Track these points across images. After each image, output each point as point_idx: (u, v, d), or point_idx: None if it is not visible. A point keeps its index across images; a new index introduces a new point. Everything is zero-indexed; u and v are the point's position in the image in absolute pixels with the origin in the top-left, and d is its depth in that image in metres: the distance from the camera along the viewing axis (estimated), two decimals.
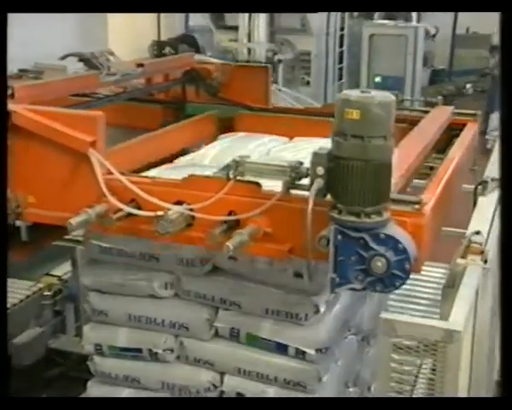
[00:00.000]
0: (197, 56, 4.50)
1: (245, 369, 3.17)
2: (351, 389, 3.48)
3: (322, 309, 3.07)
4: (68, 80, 3.42)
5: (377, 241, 2.43)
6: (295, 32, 10.53)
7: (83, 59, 3.58)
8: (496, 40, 15.76)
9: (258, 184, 2.71)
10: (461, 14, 15.09)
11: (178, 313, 3.24)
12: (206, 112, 4.22)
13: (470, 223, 3.53)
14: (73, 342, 6.10)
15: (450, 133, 3.85)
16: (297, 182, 2.58)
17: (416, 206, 2.53)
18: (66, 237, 6.06)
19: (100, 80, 3.63)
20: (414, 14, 13.42)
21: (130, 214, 2.83)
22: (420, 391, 3.99)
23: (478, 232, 3.32)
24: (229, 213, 2.72)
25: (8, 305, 5.64)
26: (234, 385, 3.21)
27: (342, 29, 11.78)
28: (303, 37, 10.28)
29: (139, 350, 3.31)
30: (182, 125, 4.04)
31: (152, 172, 3.52)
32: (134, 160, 3.35)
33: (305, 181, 2.52)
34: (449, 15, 15.01)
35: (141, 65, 3.89)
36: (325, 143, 2.49)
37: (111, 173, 2.81)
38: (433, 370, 2.75)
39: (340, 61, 11.25)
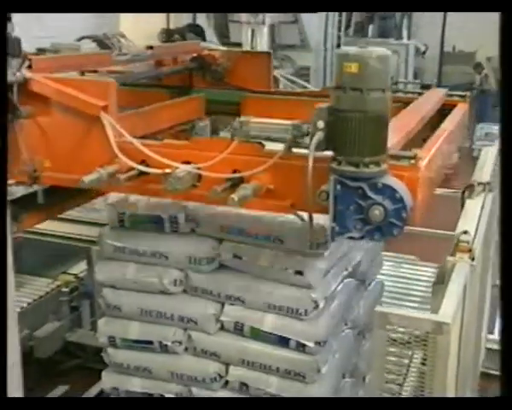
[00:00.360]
0: (203, 44, 4.46)
1: (248, 360, 3.14)
2: (347, 380, 3.43)
3: (321, 305, 3.03)
4: (82, 56, 3.39)
5: (375, 190, 2.38)
6: (295, 49, 10.54)
7: (96, 40, 3.55)
8: (479, 57, 15.84)
9: (261, 144, 2.67)
10: (447, 34, 15.22)
11: (187, 307, 3.20)
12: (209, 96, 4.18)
13: (458, 224, 3.50)
14: (89, 335, 6.05)
15: (443, 112, 3.79)
16: (298, 140, 2.53)
17: (412, 161, 2.49)
18: (82, 236, 6.10)
19: (112, 58, 3.60)
20: (405, 33, 13.44)
21: (139, 175, 2.80)
22: (411, 381, 3.98)
23: (466, 232, 3.29)
24: (234, 172, 2.68)
25: (30, 301, 5.71)
26: (238, 375, 3.17)
27: (339, 45, 11.73)
28: (302, 53, 10.29)
29: (150, 342, 3.27)
30: (173, 102, 3.97)
31: None
32: (137, 128, 3.24)
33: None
34: (437, 34, 15.10)
35: (150, 47, 3.85)
36: None
37: (121, 137, 2.80)
38: (424, 361, 2.74)
39: None
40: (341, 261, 3.24)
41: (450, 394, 2.84)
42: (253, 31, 9.78)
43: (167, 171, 2.68)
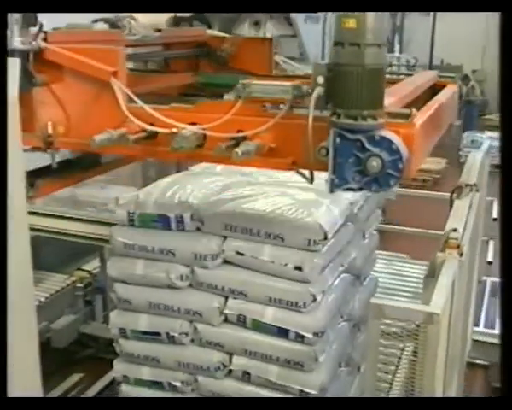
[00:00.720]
0: (209, 31, 4.42)
1: (251, 350, 3.08)
2: (343, 369, 3.38)
3: (318, 298, 2.97)
4: (94, 33, 3.35)
5: (372, 142, 2.35)
6: (295, 61, 10.41)
7: (108, 22, 3.53)
8: (465, 70, 15.87)
9: (263, 105, 2.63)
10: (436, 48, 15.25)
11: (192, 301, 3.14)
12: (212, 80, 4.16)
13: (448, 222, 3.49)
14: (101, 327, 6.02)
15: (434, 91, 3.75)
16: (299, 100, 2.49)
17: (409, 119, 2.46)
18: (95, 235, 6.01)
19: (122, 37, 3.53)
20: (397, 47, 13.44)
21: (147, 138, 2.78)
22: (403, 370, 3.95)
23: (455, 230, 3.28)
24: (237, 132, 2.64)
25: (47, 295, 5.71)
26: (241, 365, 3.11)
27: None
28: (302, 65, 10.20)
29: (158, 334, 3.21)
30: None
31: (170, 178, 3.46)
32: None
33: None
34: (427, 48, 15.15)
35: (158, 30, 3.80)
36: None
37: (131, 102, 2.78)
38: (415, 352, 2.74)
39: None
40: (338, 258, 3.19)
41: (439, 381, 2.81)
42: None
43: (174, 130, 2.66)
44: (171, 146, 2.64)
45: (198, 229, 3.12)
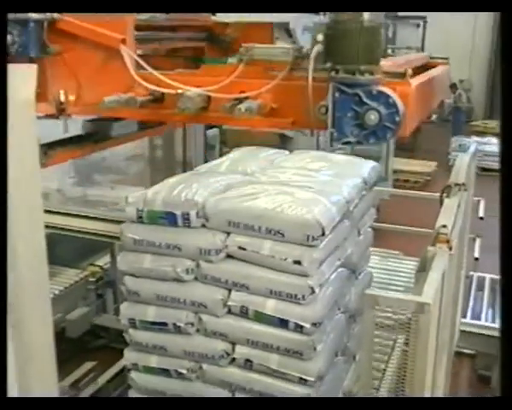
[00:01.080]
0: (213, 17, 4.41)
1: (253, 340, 3.03)
2: (340, 358, 3.33)
3: (316, 291, 2.92)
4: (104, 14, 3.34)
5: (370, 96, 2.33)
6: None
7: None
8: (453, 79, 15.82)
9: (265, 67, 2.62)
10: None
11: (198, 293, 3.10)
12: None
13: (438, 219, 3.45)
14: (112, 319, 6.10)
15: (427, 69, 3.73)
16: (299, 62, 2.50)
17: (405, 77, 2.44)
18: (106, 233, 6.00)
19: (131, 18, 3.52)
20: (389, 51, 13.36)
21: (154, 101, 2.78)
22: (395, 359, 3.92)
23: (444, 226, 3.28)
24: (240, 93, 2.64)
25: (61, 288, 5.75)
26: (243, 353, 3.06)
27: None
28: None
29: (165, 324, 3.16)
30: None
31: (176, 178, 3.41)
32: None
33: None
34: None
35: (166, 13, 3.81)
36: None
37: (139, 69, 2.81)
38: (406, 343, 2.73)
39: None
40: (335, 253, 3.14)
41: (430, 368, 2.79)
42: None
43: (179, 91, 2.64)
44: (176, 107, 2.63)
45: (203, 225, 3.07)
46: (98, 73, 2.97)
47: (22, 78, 2.73)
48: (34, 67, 2.79)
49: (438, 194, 4.29)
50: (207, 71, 2.82)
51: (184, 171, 4.72)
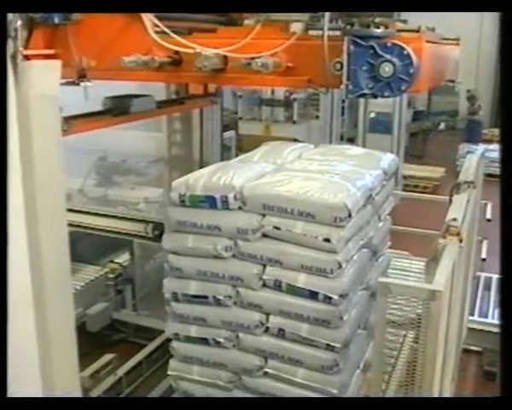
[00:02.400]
0: None
1: (285, 310, 3.48)
2: (361, 331, 3.79)
3: (343, 265, 3.38)
4: None
5: (385, 49, 2.43)
6: None
7: None
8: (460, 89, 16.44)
9: (281, 27, 2.76)
10: None
11: (235, 269, 3.55)
12: None
13: (448, 213, 3.66)
14: (131, 314, 6.53)
15: None
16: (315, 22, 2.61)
17: (419, 32, 2.58)
18: (126, 231, 6.30)
19: None
20: None
21: (172, 64, 2.95)
22: (405, 352, 4.21)
23: (455, 219, 3.48)
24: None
25: (82, 284, 6.18)
26: (276, 323, 3.53)
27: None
28: None
29: (205, 297, 3.62)
30: None
31: (213, 167, 3.89)
32: None
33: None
34: None
35: None
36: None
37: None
38: (416, 342, 2.84)
39: (343, 101, 11.55)
40: (359, 234, 3.62)
41: (439, 360, 2.91)
42: None
43: (198, 51, 2.79)
44: (194, 66, 2.79)
45: (240, 208, 3.54)
46: (118, 38, 3.07)
47: (47, 72, 2.91)
48: (58, 62, 2.97)
49: (446, 197, 4.50)
50: (225, 33, 2.89)
51: (201, 167, 4.90)
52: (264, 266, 3.53)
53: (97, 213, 6.41)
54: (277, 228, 3.47)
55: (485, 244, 6.88)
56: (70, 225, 3.56)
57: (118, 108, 4.03)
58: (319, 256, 3.40)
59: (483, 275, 7.09)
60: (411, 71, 2.46)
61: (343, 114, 11.24)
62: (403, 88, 2.48)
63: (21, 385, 2.87)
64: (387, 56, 2.45)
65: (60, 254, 3.18)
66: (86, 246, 6.47)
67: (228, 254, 3.56)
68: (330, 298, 3.38)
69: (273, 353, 3.58)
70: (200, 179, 3.63)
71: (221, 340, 3.66)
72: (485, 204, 6.60)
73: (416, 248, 6.50)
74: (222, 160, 5.12)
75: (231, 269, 3.57)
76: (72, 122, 3.33)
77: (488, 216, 6.57)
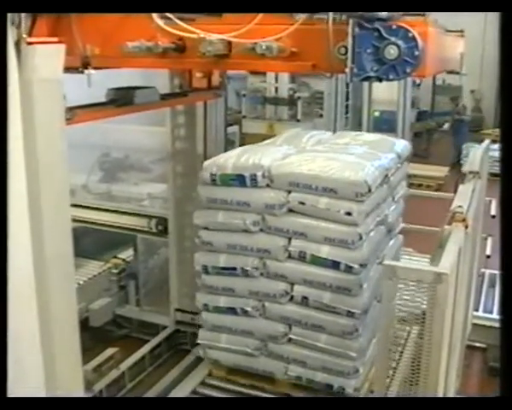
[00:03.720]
0: None
1: (309, 280, 4.23)
2: (377, 303, 4.53)
3: (363, 237, 4.13)
4: None
5: (390, 31, 2.61)
6: (311, 76, 11.53)
7: None
8: (464, 90, 17.59)
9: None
10: None
11: (263, 242, 4.31)
12: None
13: (454, 201, 3.99)
14: (134, 310, 7.04)
15: None
16: None
17: (424, 16, 2.75)
18: (129, 226, 6.79)
19: None
20: None
21: (175, 50, 3.19)
22: (410, 349, 4.66)
23: (460, 206, 3.79)
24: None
25: (85, 279, 6.69)
26: (300, 292, 4.29)
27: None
28: (317, 79, 11.26)
29: (234, 268, 4.38)
30: None
31: (239, 150, 4.63)
32: None
33: None
34: None
35: None
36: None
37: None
38: (421, 338, 2.99)
39: (347, 99, 12.42)
40: (376, 210, 4.40)
41: (444, 355, 3.04)
42: None
43: (202, 36, 2.99)
44: (198, 51, 2.98)
45: (267, 185, 4.29)
46: (122, 25, 3.27)
47: (50, 56, 3.05)
48: (62, 46, 3.11)
49: (451, 194, 4.87)
50: (228, 19, 3.04)
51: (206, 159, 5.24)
52: (290, 239, 4.28)
53: (100, 207, 7.01)
54: (302, 203, 4.22)
55: (489, 241, 7.57)
56: (73, 220, 3.75)
57: (121, 99, 4.35)
58: (341, 229, 4.15)
59: (487, 272, 7.80)
60: (416, 53, 2.64)
61: (347, 112, 12.07)
62: (408, 70, 2.67)
63: (23, 376, 3.03)
64: (392, 39, 2.64)
65: (63, 239, 3.35)
66: (90, 241, 7.00)
67: (256, 228, 4.32)
68: (351, 267, 4.13)
69: (297, 320, 4.35)
70: (229, 160, 4.40)
71: (248, 309, 4.42)
72: (490, 201, 7.21)
73: (420, 244, 7.15)
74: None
75: (259, 242, 4.32)
76: (75, 111, 3.55)
77: (493, 212, 7.28)
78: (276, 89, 11.14)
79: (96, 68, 3.37)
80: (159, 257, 7.32)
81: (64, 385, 3.37)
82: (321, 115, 11.42)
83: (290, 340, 4.41)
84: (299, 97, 10.94)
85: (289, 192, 4.28)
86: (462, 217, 3.62)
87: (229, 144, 6.74)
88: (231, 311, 4.48)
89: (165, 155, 6.38)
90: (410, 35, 2.63)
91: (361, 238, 4.15)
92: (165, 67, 4.47)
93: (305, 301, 4.30)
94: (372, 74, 2.69)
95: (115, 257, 7.28)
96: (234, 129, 7.63)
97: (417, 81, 16.05)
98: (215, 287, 4.49)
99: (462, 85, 18.07)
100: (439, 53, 3.25)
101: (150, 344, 6.17)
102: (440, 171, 13.95)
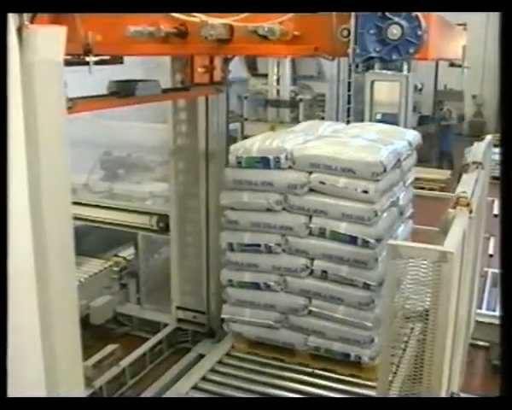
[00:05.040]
0: None
1: (328, 254, 5.13)
2: None
3: (379, 214, 5.05)
4: None
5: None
6: (313, 79, 12.90)
7: None
8: (466, 95, 18.91)
9: None
10: (440, 74, 18.31)
11: (285, 219, 5.21)
12: None
13: (457, 188, 4.33)
14: (135, 308, 7.69)
15: None
16: None
17: None
18: (131, 223, 7.42)
19: None
20: (405, 66, 15.94)
21: (177, 35, 3.47)
22: (413, 344, 4.71)
23: (464, 192, 4.07)
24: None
25: (86, 277, 7.32)
26: (320, 266, 5.19)
27: (350, 77, 14.08)
28: (319, 82, 12.40)
29: (258, 245, 5.29)
30: None
31: (262, 136, 5.57)
32: None
33: None
34: (431, 75, 18.17)
35: None
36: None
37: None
38: (424, 333, 3.09)
39: (348, 102, 13.42)
40: (389, 192, 5.34)
41: (447, 351, 3.20)
42: (278, 63, 11.96)
43: (203, 20, 3.24)
44: (200, 35, 3.20)
45: (290, 167, 5.20)
46: (124, 15, 3.42)
47: (51, 39, 3.15)
48: (63, 29, 3.19)
49: (453, 194, 5.08)
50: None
51: (207, 162, 6.24)
52: (311, 216, 5.18)
53: (101, 205, 7.66)
54: (322, 183, 5.14)
55: (492, 241, 8.50)
56: (74, 218, 3.90)
57: (123, 91, 4.65)
58: (358, 206, 5.05)
59: (490, 271, 8.62)
60: (419, 33, 2.85)
61: (348, 115, 13.05)
62: (411, 51, 2.88)
63: (24, 372, 3.16)
64: (395, 19, 2.85)
65: (64, 247, 3.46)
66: (91, 239, 7.65)
67: (279, 207, 5.21)
68: (367, 242, 5.03)
69: (316, 293, 5.26)
70: (255, 144, 5.35)
71: (271, 283, 5.32)
72: (493, 200, 8.00)
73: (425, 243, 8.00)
74: (228, 150, 5.76)
75: (282, 220, 5.22)
76: (76, 101, 3.71)
77: (495, 212, 8.21)
78: (278, 91, 12.02)
79: (97, 55, 3.56)
80: (160, 256, 8.01)
81: (64, 382, 3.55)
82: (322, 118, 12.19)
83: (310, 312, 5.30)
84: (300, 100, 11.86)
85: (310, 173, 5.17)
86: (467, 201, 3.94)
87: (231, 141, 6.90)
88: (255, 286, 5.38)
89: (167, 155, 6.85)
90: (413, 15, 2.86)
91: (376, 215, 5.04)
92: (167, 53, 4.82)
93: (324, 275, 5.20)
94: (375, 55, 2.93)
95: (116, 255, 7.94)
96: (236, 125, 8.37)
97: (419, 86, 17.36)
98: (240, 263, 5.39)
99: (463, 91, 19.59)
100: (442, 36, 3.51)
101: (151, 342, 6.74)
102: (442, 174, 15.22)
